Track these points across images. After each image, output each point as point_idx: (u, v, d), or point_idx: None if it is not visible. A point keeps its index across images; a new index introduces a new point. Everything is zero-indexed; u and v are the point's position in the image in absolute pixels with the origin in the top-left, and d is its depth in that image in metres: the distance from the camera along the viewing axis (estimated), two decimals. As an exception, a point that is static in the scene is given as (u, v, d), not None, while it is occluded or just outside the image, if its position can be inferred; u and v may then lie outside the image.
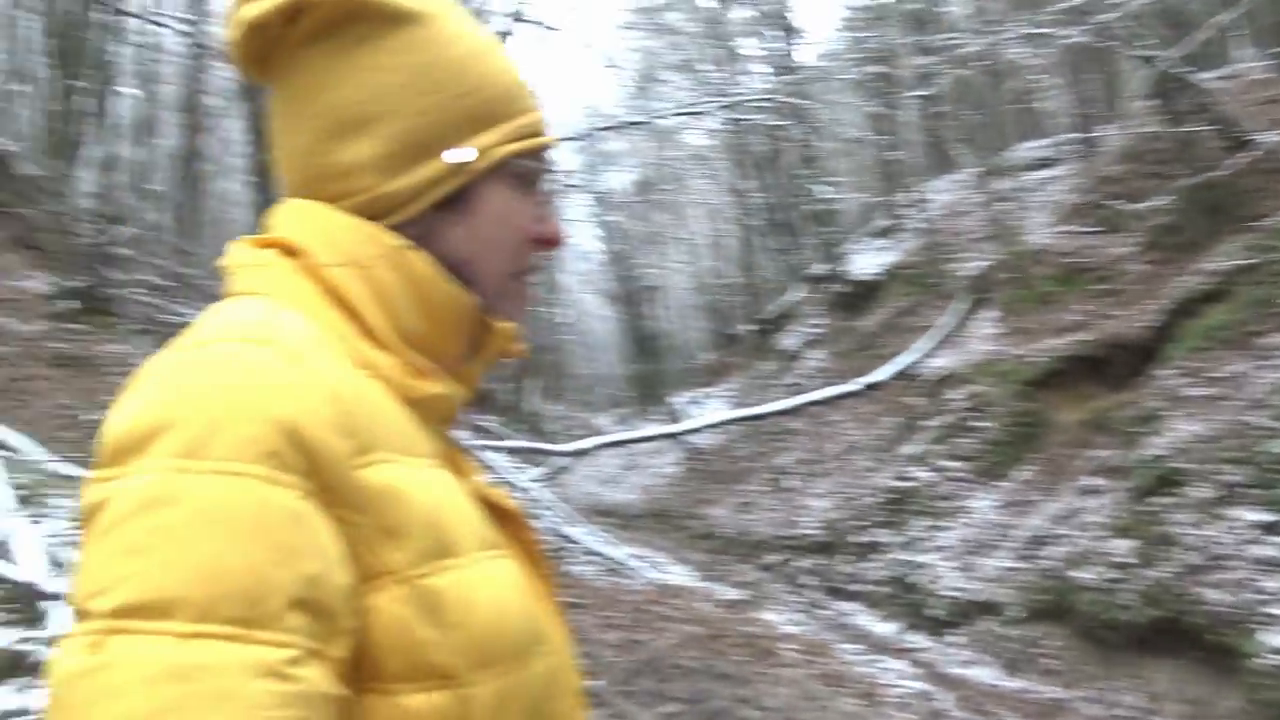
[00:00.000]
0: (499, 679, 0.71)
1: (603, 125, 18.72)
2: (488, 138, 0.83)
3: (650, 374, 25.47)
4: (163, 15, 14.80)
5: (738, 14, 21.23)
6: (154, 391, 0.65)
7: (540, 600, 0.83)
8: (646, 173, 30.12)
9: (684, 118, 18.34)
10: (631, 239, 29.57)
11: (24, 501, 6.14)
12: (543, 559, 0.89)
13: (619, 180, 30.80)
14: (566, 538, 9.41)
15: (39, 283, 12.03)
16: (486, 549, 0.76)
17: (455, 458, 0.85)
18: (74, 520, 6.11)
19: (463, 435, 12.80)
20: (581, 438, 15.57)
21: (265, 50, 0.82)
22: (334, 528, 0.65)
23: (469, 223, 0.83)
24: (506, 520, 0.86)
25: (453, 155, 0.81)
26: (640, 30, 24.23)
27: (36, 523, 5.90)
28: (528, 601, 0.77)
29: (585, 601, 6.57)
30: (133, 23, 14.03)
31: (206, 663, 0.56)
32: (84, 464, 8.36)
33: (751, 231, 23.56)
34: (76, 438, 9.19)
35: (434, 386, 0.79)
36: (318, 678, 0.60)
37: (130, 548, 0.59)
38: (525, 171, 0.86)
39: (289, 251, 0.79)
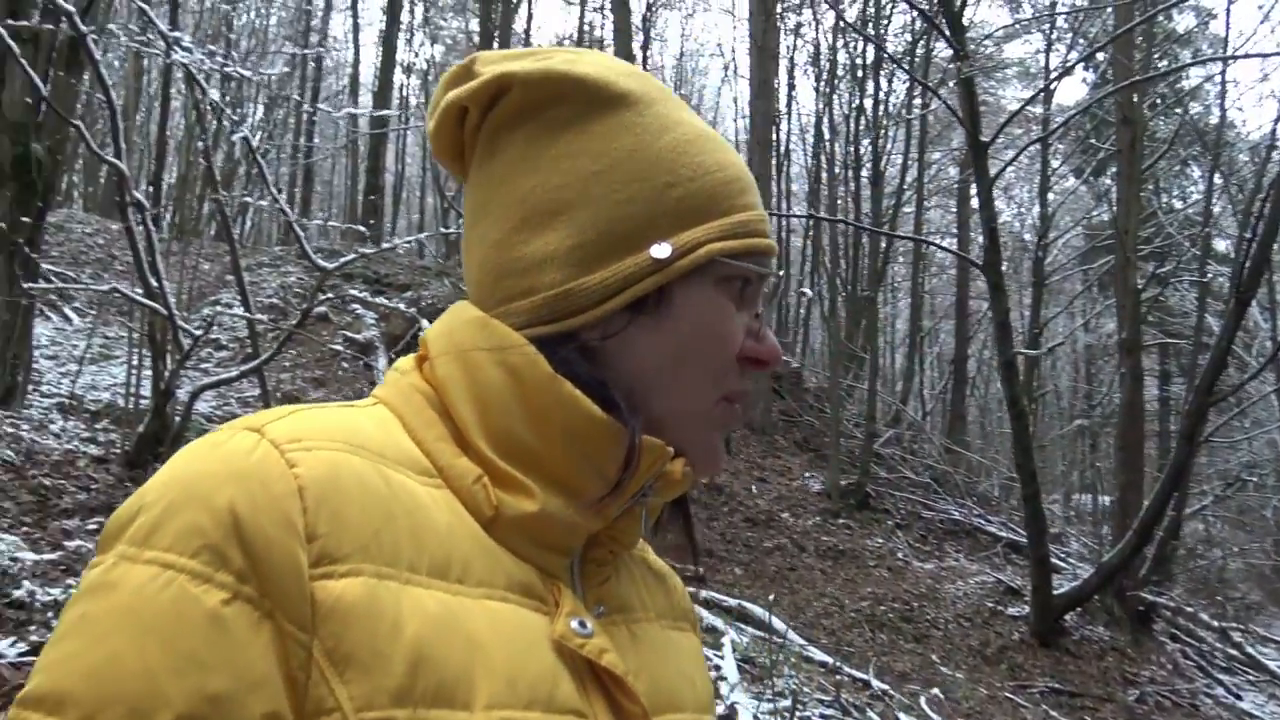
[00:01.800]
0: None
1: None
2: (694, 234, 0.73)
3: None
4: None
5: None
6: (159, 472, 0.62)
7: None
8: None
9: None
10: None
11: (753, 680, 6.60)
12: None
13: None
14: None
15: (815, 482, 13.35)
16: (529, 708, 0.61)
17: (568, 599, 0.69)
18: (791, 699, 6.37)
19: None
20: None
21: (466, 138, 0.79)
22: (274, 644, 0.56)
23: (664, 327, 0.72)
24: (619, 688, 0.69)
25: (652, 250, 0.72)
26: None
27: (757, 699, 6.28)
28: None
29: None
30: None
31: None
32: (834, 651, 8.80)
33: None
34: (834, 626, 9.75)
35: (524, 504, 0.68)
36: None
37: (58, 634, 0.57)
38: (736, 275, 0.75)
39: (424, 357, 0.75)
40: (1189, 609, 11.60)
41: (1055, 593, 10.07)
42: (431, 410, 0.70)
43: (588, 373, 0.70)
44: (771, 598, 9.46)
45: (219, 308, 11.62)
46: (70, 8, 4.48)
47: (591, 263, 0.71)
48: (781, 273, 0.80)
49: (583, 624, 0.67)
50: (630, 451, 0.69)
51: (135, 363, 7.80)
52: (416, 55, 26.80)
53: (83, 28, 4.47)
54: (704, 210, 0.74)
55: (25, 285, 5.08)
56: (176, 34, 4.64)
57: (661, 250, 0.71)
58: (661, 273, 0.71)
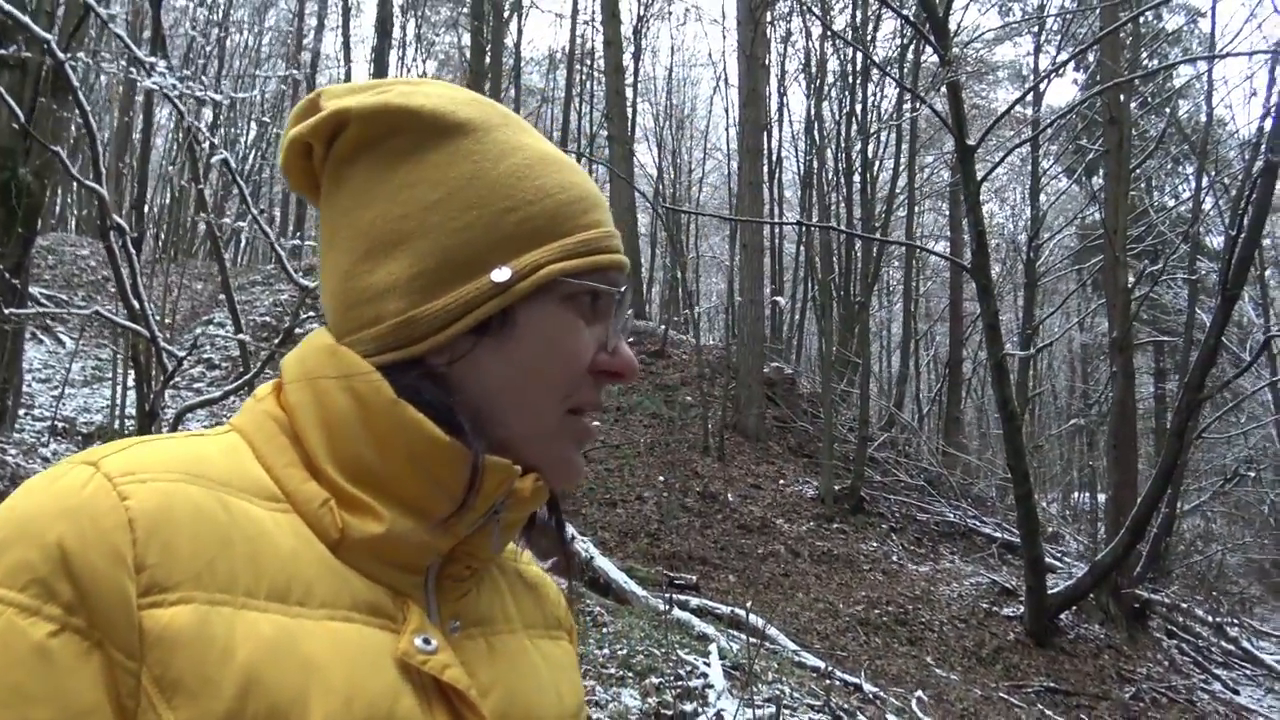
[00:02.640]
0: None
1: None
2: (534, 255, 0.74)
3: None
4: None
5: None
6: None
7: None
8: None
9: None
10: None
11: (741, 686, 6.62)
12: None
13: None
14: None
15: (809, 487, 13.36)
16: None
17: (415, 616, 0.71)
18: (779, 705, 6.39)
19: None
20: None
21: (313, 172, 0.80)
22: (103, 673, 0.58)
23: (509, 348, 0.74)
24: (463, 703, 0.70)
25: (492, 274, 0.73)
26: None
27: (750, 705, 6.30)
28: None
29: None
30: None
31: None
32: (827, 656, 8.81)
33: None
34: (828, 631, 9.77)
35: (370, 526, 0.69)
36: None
37: None
38: (580, 292, 0.76)
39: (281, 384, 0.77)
40: (1184, 605, 11.61)
41: (1050, 592, 10.08)
42: (283, 436, 0.71)
43: (433, 397, 0.72)
44: (749, 605, 9.49)
45: (211, 328, 11.68)
46: (47, 35, 4.54)
47: (433, 290, 0.73)
48: (624, 289, 0.80)
49: (427, 640, 0.69)
50: (474, 472, 0.71)
51: (121, 384, 7.84)
52: (409, 71, 26.88)
53: (60, 55, 4.52)
54: (545, 232, 0.75)
55: (8, 310, 5.13)
56: (152, 59, 4.69)
57: (501, 274, 0.73)
58: (503, 295, 0.73)
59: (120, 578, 0.59)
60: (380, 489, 0.70)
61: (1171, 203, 18.79)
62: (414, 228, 0.73)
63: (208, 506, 0.64)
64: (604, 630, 6.95)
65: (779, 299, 16.69)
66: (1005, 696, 8.79)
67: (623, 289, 0.79)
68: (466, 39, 23.48)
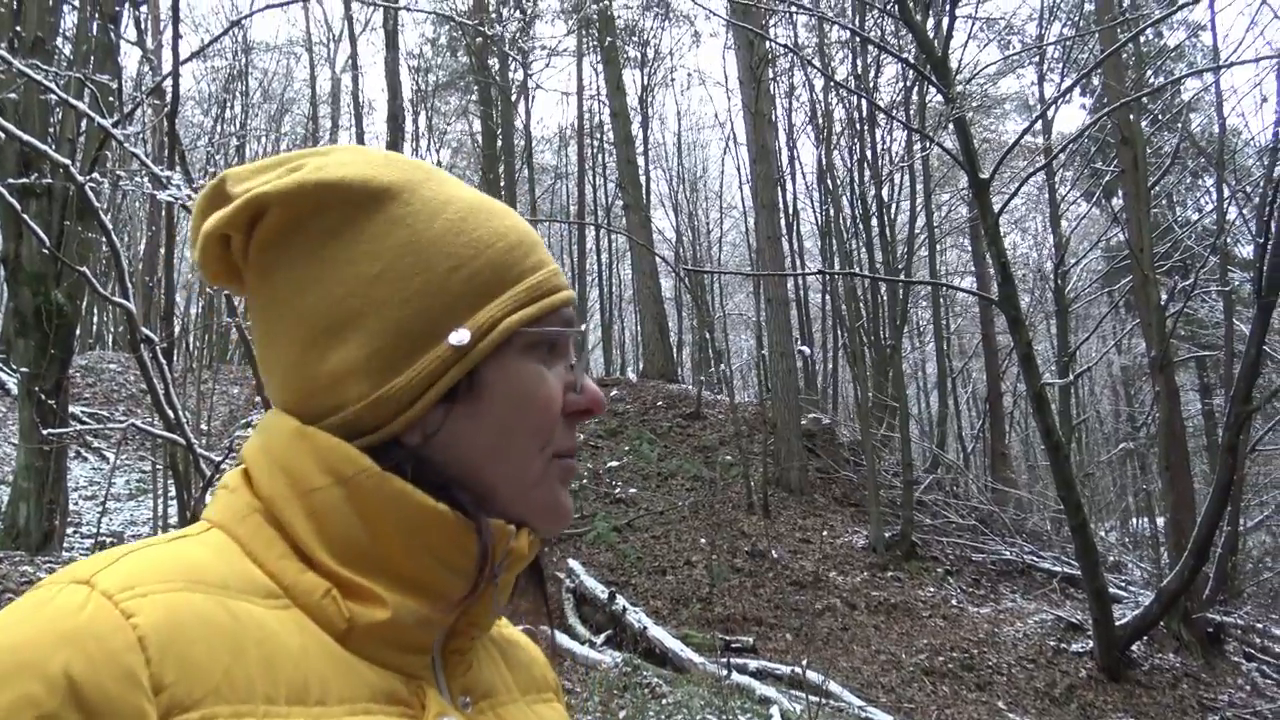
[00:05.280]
0: None
1: None
2: (489, 311, 0.72)
3: None
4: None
5: None
6: None
7: None
8: None
9: None
10: None
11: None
12: None
13: None
14: None
15: (859, 537, 13.13)
16: None
17: (434, 701, 0.69)
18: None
19: None
20: None
21: (234, 262, 0.76)
22: None
23: (482, 410, 0.72)
24: None
25: (450, 339, 0.71)
26: None
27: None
28: None
29: None
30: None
31: None
32: (895, 709, 8.57)
33: None
34: (892, 683, 9.52)
35: (376, 612, 0.66)
36: None
37: None
38: (541, 340, 0.75)
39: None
40: (1260, 625, 11.20)
41: (1118, 623, 9.78)
42: (269, 528, 0.68)
43: (417, 471, 0.69)
44: (805, 662, 9.30)
45: (248, 430, 11.78)
46: (65, 160, 4.66)
47: (394, 366, 0.70)
48: (583, 328, 0.79)
49: None
50: (484, 542, 0.69)
51: (164, 494, 7.90)
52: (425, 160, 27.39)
53: (80, 178, 4.63)
54: (493, 284, 0.73)
55: (46, 431, 5.19)
56: (169, 173, 4.80)
57: (460, 336, 0.70)
58: (466, 359, 0.71)
59: (139, 702, 0.55)
60: (378, 571, 0.67)
61: (1195, 216, 18.62)
62: (360, 305, 0.70)
63: (214, 614, 0.60)
64: (663, 701, 6.82)
65: (804, 348, 16.59)
66: (1084, 736, 8.49)
67: (580, 327, 0.78)
68: (478, 125, 23.95)
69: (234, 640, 0.60)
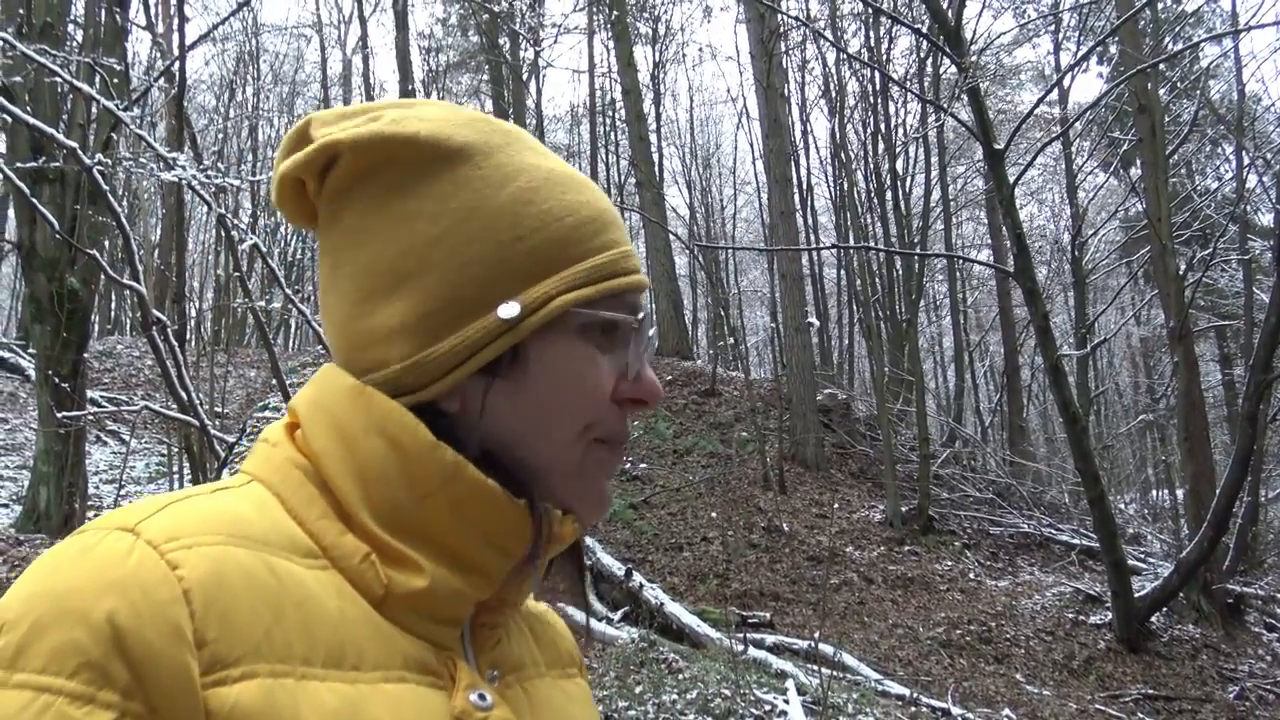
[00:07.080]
0: None
1: None
2: (544, 287, 0.69)
3: None
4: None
5: None
6: (16, 585, 0.58)
7: None
8: None
9: None
10: None
11: (817, 717, 6.46)
12: None
13: None
14: None
15: (876, 511, 13.13)
16: None
17: (465, 672, 0.68)
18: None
19: None
20: None
21: (310, 205, 0.75)
22: None
23: (523, 388, 0.70)
24: None
25: (499, 311, 0.68)
26: None
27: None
28: None
29: None
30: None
31: None
32: (913, 682, 8.58)
33: None
34: (910, 656, 9.52)
35: (414, 580, 0.65)
36: None
37: None
38: (595, 322, 0.71)
39: (295, 425, 0.72)
40: (1280, 596, 11.15)
41: (1137, 595, 9.74)
42: (311, 485, 0.67)
43: (455, 441, 0.68)
44: (817, 635, 9.31)
45: (267, 413, 11.86)
46: (72, 144, 4.66)
47: (439, 331, 0.68)
48: (642, 315, 0.75)
49: (482, 696, 0.66)
50: (537, 527, 0.69)
51: (180, 477, 7.96)
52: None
53: (86, 161, 4.64)
54: (555, 260, 0.70)
55: (60, 415, 5.23)
56: (175, 154, 4.80)
57: (509, 310, 0.68)
58: (512, 333, 0.68)
59: (182, 656, 0.54)
60: (419, 539, 0.66)
61: (1214, 184, 18.40)
62: (415, 266, 0.69)
63: (256, 571, 0.60)
64: (680, 676, 6.83)
65: (813, 321, 16.53)
66: (1102, 708, 8.48)
67: (640, 314, 0.74)
68: (490, 105, 23.88)
69: (276, 599, 0.59)
